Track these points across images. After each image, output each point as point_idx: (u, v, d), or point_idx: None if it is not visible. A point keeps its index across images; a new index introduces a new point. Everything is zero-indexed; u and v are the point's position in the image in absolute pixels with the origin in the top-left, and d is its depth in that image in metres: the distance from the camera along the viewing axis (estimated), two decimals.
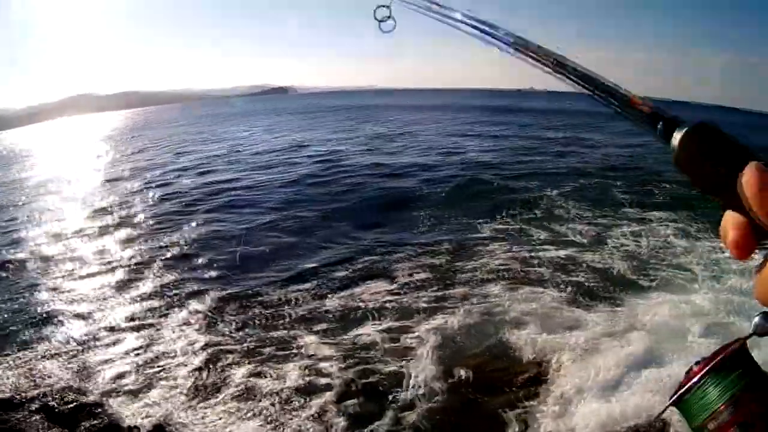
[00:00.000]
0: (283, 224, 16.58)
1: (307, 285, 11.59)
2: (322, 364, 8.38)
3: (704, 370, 0.85)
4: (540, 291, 10.94)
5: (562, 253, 13.18)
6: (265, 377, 8.14)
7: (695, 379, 0.86)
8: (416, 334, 9.24)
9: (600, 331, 9.08)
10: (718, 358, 0.85)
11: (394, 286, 11.40)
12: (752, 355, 0.86)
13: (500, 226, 15.41)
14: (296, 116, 69.61)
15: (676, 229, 14.99)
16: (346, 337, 9.30)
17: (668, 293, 10.80)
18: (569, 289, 11.05)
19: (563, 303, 10.37)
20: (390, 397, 7.51)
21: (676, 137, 0.84)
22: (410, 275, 11.89)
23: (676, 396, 0.89)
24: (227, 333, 9.62)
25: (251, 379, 8.10)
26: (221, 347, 9.08)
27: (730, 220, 0.77)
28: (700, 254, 13.02)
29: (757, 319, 0.84)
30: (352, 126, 49.29)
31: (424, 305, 10.40)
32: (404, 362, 8.35)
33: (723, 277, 11.51)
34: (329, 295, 11.03)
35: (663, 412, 0.99)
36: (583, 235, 14.64)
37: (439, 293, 10.92)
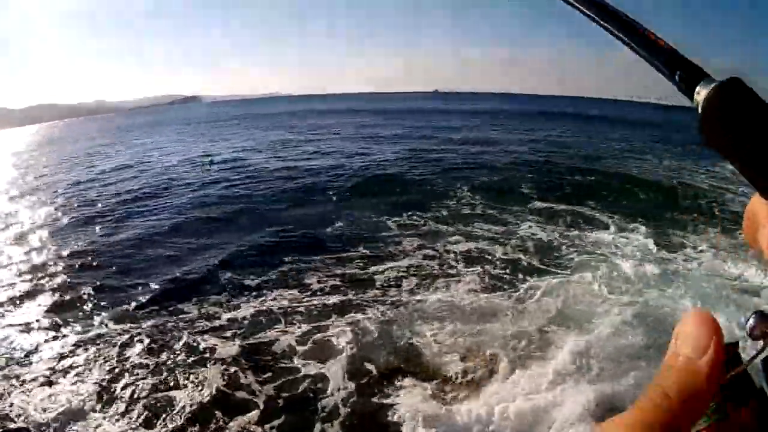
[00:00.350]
0: (191, 231, 16.08)
1: (219, 293, 11.15)
2: (241, 375, 8.03)
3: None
4: (453, 285, 11.02)
5: (472, 245, 13.35)
6: (183, 390, 7.72)
7: None
8: (332, 336, 9.09)
9: (515, 323, 9.20)
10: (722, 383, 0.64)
11: (307, 288, 11.18)
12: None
13: (409, 222, 15.55)
14: (206, 125, 68.28)
15: (582, 218, 15.60)
16: (262, 344, 8.98)
17: (578, 280, 11.23)
18: (482, 281, 11.22)
19: (477, 295, 10.48)
20: (313, 407, 7.28)
21: (701, 92, 0.66)
22: (322, 277, 11.72)
23: None
24: (139, 346, 9.02)
25: (168, 393, 7.65)
26: (134, 362, 8.53)
27: (765, 210, 0.63)
28: (605, 241, 13.75)
29: (751, 320, 0.65)
30: (261, 134, 48.55)
31: (338, 306, 10.30)
32: (323, 367, 8.16)
33: (628, 260, 12.18)
34: (242, 302, 10.63)
35: None
36: (492, 227, 14.94)
37: (353, 293, 10.82)
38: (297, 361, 8.35)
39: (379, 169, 24.71)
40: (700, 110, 0.64)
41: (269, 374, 8.01)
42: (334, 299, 10.57)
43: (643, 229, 14.52)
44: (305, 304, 10.42)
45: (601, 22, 0.78)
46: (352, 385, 7.57)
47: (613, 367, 7.64)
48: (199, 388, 7.67)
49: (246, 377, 7.91)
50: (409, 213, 16.30)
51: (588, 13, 0.80)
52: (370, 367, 8.00)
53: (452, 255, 12.72)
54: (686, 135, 49.57)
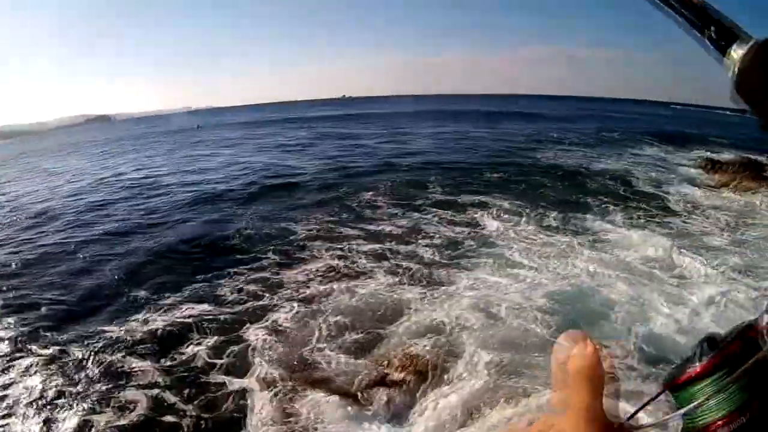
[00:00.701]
0: (99, 249, 15.43)
1: (134, 310, 10.90)
2: (165, 396, 7.86)
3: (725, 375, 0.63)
4: (361, 285, 11.23)
5: (377, 246, 13.66)
6: (105, 415, 7.44)
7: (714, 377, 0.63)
8: (248, 346, 9.08)
9: (423, 320, 9.39)
10: (746, 366, 0.62)
11: (220, 299, 11.16)
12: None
13: (316, 227, 15.64)
14: (116, 145, 65.71)
15: (488, 210, 16.02)
16: (181, 361, 8.84)
17: (484, 271, 11.64)
18: (389, 279, 11.48)
19: (385, 294, 10.70)
20: (238, 425, 7.14)
21: (737, 52, 0.63)
22: (233, 285, 11.73)
23: (687, 409, 0.65)
24: (52, 372, 8.63)
25: (90, 419, 7.36)
26: (49, 389, 8.13)
27: None
28: (511, 231, 14.37)
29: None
30: (169, 150, 46.64)
31: (252, 313, 10.36)
32: (245, 379, 8.11)
33: (533, 247, 12.91)
34: (157, 318, 10.43)
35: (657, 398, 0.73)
36: (398, 225, 15.34)
37: (265, 300, 10.91)
38: (218, 377, 8.25)
39: (284, 177, 24.69)
40: (735, 70, 0.63)
41: (192, 391, 7.87)
42: (247, 306, 10.65)
43: (549, 214, 15.13)
44: (219, 314, 10.38)
45: None
46: (270, 400, 7.47)
47: (520, 359, 7.86)
48: (123, 412, 7.47)
49: (170, 397, 7.78)
50: (316, 218, 16.46)
51: None
52: (285, 377, 7.97)
53: (360, 256, 12.96)
54: (592, 124, 51.20)
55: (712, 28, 0.65)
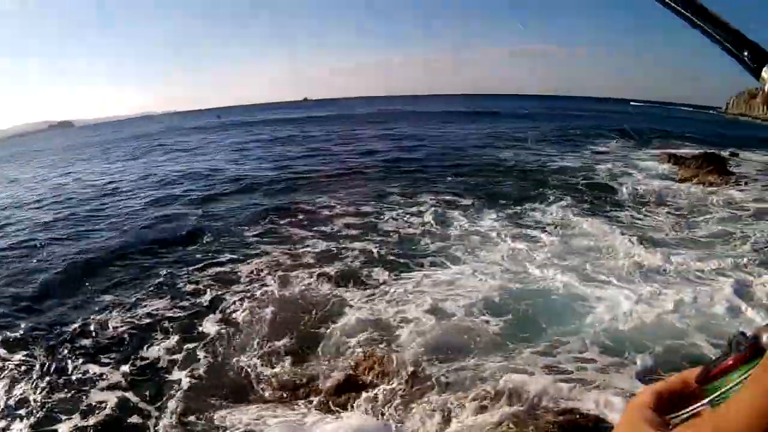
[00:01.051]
0: (53, 249, 15.59)
1: (93, 310, 10.90)
2: (130, 397, 7.87)
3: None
4: (312, 282, 11.42)
5: (331, 244, 13.91)
6: (70, 422, 7.37)
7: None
8: (204, 342, 9.28)
9: (368, 316, 9.58)
10: None
11: (177, 296, 11.35)
12: None
13: (269, 228, 15.91)
14: (78, 151, 64.54)
15: (447, 208, 16.32)
16: (144, 361, 8.91)
17: (438, 271, 11.77)
18: (337, 276, 11.68)
19: (332, 289, 10.99)
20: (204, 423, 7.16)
21: None
22: (191, 282, 11.97)
23: (713, 397, 0.69)
24: (12, 377, 8.55)
25: (55, 428, 7.31)
26: (8, 395, 8.06)
27: None
28: (467, 233, 14.48)
29: None
30: (127, 155, 46.05)
31: (207, 307, 10.70)
32: (199, 380, 8.20)
33: (484, 253, 12.80)
34: (117, 318, 10.48)
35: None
36: (352, 226, 15.53)
37: (220, 298, 11.07)
38: (178, 374, 8.35)
39: (238, 181, 24.73)
40: (766, 88, 0.73)
41: (155, 391, 7.92)
42: (203, 305, 10.86)
43: (505, 212, 15.48)
44: (176, 312, 10.56)
45: (677, 8, 0.85)
46: (220, 405, 7.50)
47: (473, 358, 8.00)
48: (89, 416, 7.41)
49: (135, 397, 7.79)
50: (270, 219, 16.72)
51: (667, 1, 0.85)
52: (237, 378, 8.17)
53: (313, 255, 13.11)
54: (549, 123, 51.62)
55: (746, 53, 0.77)
